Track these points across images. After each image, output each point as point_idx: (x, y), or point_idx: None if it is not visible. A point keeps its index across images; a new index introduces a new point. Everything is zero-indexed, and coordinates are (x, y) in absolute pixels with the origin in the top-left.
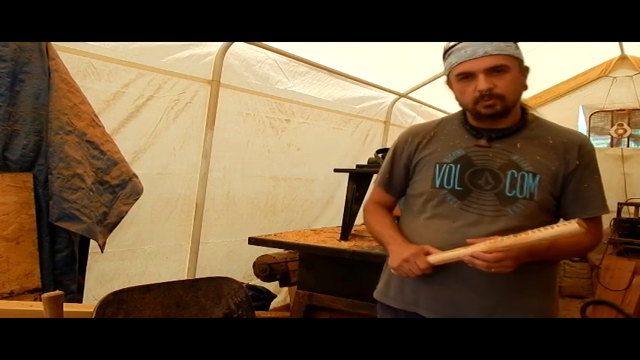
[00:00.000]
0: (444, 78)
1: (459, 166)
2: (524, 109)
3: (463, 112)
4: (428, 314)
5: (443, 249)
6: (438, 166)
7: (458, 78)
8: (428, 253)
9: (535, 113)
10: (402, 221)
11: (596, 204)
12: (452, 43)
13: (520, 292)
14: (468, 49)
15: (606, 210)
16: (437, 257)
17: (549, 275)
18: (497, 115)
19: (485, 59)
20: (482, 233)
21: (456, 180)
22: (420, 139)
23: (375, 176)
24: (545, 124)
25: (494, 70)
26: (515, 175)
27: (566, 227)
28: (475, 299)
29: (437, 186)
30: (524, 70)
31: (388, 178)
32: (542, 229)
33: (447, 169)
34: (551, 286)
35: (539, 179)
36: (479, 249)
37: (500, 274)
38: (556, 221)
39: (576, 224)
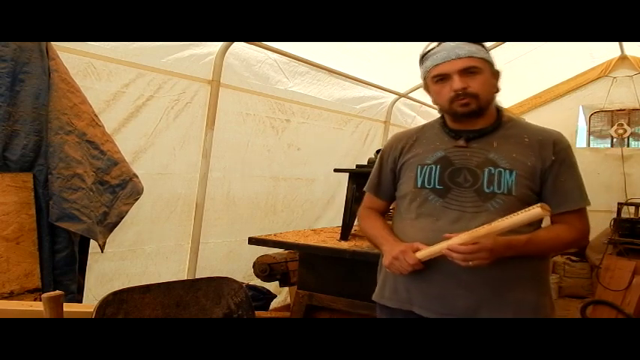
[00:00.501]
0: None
1: (439, 166)
2: (499, 111)
3: (443, 117)
4: (422, 312)
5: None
6: (419, 167)
7: (434, 80)
8: (417, 250)
9: (511, 115)
10: (393, 223)
11: (574, 197)
12: (427, 49)
13: (508, 287)
14: (442, 52)
15: (586, 202)
16: (423, 252)
17: (539, 269)
18: (472, 114)
19: (458, 61)
20: (463, 229)
21: (437, 179)
22: (404, 144)
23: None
24: (520, 123)
25: (468, 72)
26: (493, 172)
27: (530, 212)
28: (462, 294)
29: (419, 186)
30: (496, 74)
31: (377, 182)
32: (508, 216)
33: (428, 170)
34: (541, 280)
35: (515, 175)
36: (455, 242)
37: (485, 269)
38: None
39: (539, 208)
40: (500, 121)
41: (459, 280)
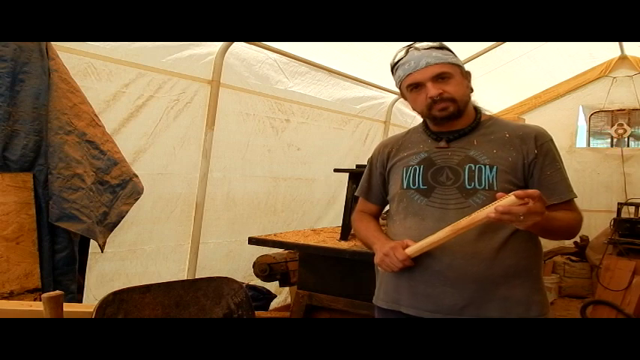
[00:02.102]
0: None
1: (422, 166)
2: (477, 111)
3: (425, 121)
4: (409, 311)
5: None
6: (405, 169)
7: (409, 89)
8: (407, 247)
9: (490, 114)
10: (387, 226)
11: (562, 189)
12: (396, 59)
13: (495, 284)
14: (412, 62)
15: (572, 194)
16: (412, 248)
17: (529, 267)
18: (451, 117)
19: (428, 69)
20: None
21: (420, 179)
22: (390, 148)
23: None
24: (500, 121)
25: (439, 77)
26: (473, 169)
27: (506, 200)
28: (448, 292)
29: (404, 187)
30: (467, 75)
31: (366, 187)
32: (485, 207)
33: (413, 171)
34: (532, 277)
35: (496, 170)
36: (439, 236)
37: (471, 267)
38: None
39: (513, 196)
40: (479, 120)
41: (445, 278)
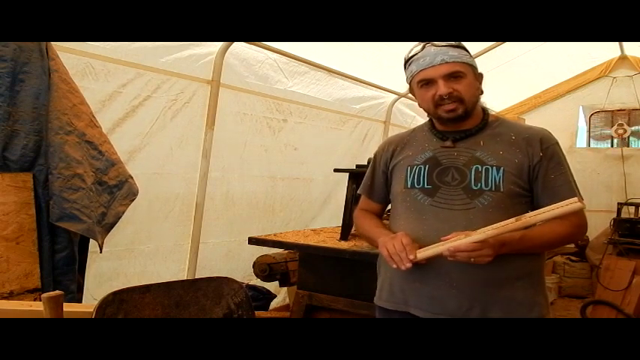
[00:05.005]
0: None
1: (427, 166)
2: (485, 112)
3: (431, 119)
4: (417, 312)
5: (417, 245)
6: (409, 168)
7: (419, 85)
8: (408, 240)
9: (497, 115)
10: (389, 225)
11: (564, 193)
12: (411, 54)
13: (498, 285)
14: (427, 57)
15: (577, 198)
16: (424, 253)
17: (532, 268)
18: (458, 118)
19: (443, 66)
20: (452, 227)
21: (425, 179)
22: (395, 146)
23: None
24: (507, 122)
25: (452, 76)
26: (480, 169)
27: (569, 206)
28: (454, 294)
29: (408, 186)
30: (479, 76)
31: (369, 185)
32: (539, 211)
33: (417, 170)
34: (534, 279)
35: (503, 171)
36: (458, 243)
37: (476, 268)
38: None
39: (578, 202)
40: (486, 121)
41: (450, 280)
